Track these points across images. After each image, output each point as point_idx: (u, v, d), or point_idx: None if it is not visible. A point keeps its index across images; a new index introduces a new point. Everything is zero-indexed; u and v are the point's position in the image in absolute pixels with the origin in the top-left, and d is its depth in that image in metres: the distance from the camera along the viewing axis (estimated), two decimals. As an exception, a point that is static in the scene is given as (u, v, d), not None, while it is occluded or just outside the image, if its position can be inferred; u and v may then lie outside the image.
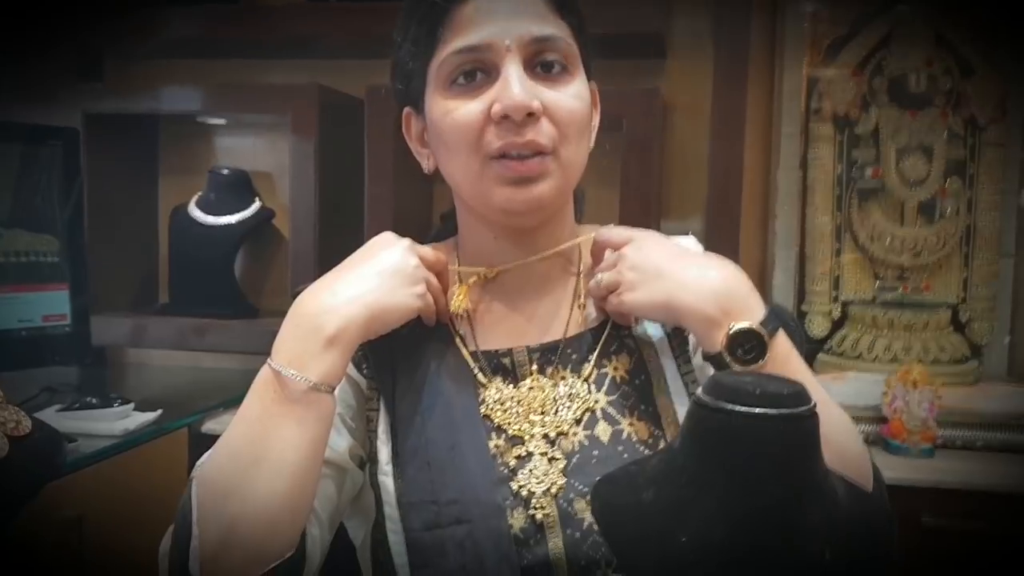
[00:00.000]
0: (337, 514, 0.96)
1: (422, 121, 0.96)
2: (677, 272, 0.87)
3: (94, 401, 1.65)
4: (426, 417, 0.92)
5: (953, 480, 1.65)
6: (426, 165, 0.99)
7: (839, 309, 1.93)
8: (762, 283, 1.96)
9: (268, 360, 0.83)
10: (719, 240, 1.88)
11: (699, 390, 0.67)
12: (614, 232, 0.95)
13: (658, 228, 1.99)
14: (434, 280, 0.93)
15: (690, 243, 1.06)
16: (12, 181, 1.70)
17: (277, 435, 0.80)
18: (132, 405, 1.67)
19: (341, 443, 0.94)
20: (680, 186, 2.04)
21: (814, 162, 1.91)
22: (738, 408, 0.61)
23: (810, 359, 1.93)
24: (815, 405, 0.66)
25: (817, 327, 1.93)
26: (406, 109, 0.99)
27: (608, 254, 0.95)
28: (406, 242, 0.93)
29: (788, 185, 1.92)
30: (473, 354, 0.97)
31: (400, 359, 0.96)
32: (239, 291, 2.12)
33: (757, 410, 0.61)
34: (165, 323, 2.07)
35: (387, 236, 0.94)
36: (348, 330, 0.83)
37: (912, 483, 1.67)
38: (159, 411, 1.70)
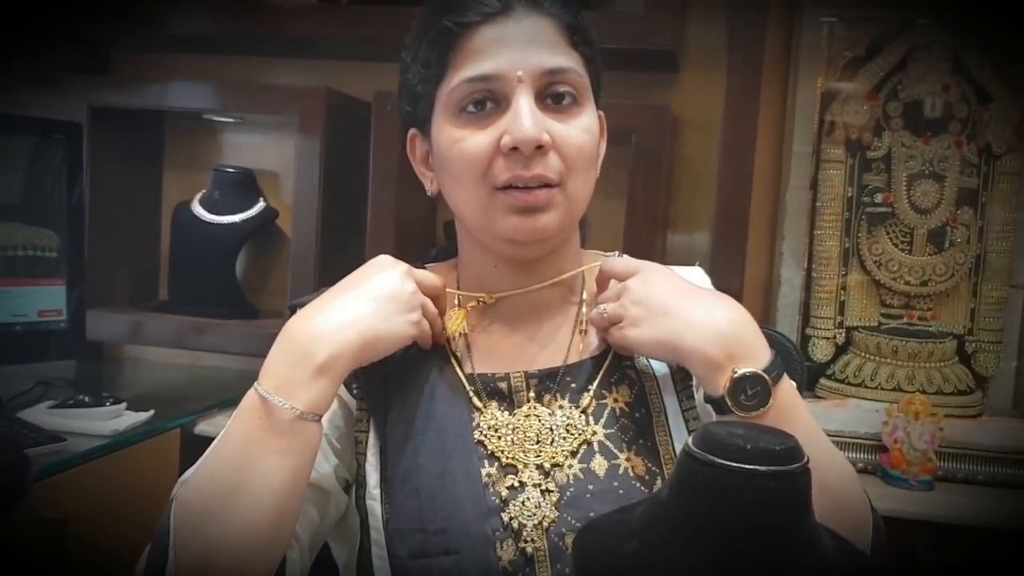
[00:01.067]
0: (319, 537, 0.94)
1: (427, 144, 0.95)
2: (682, 311, 0.85)
3: (86, 399, 1.63)
4: (418, 441, 0.90)
5: (952, 514, 1.63)
6: (429, 188, 0.98)
7: (843, 334, 1.90)
8: (767, 303, 1.94)
9: (255, 384, 0.81)
10: (725, 257, 1.86)
11: (689, 440, 0.65)
12: (619, 263, 0.94)
13: (664, 243, 1.97)
14: (431, 306, 0.92)
15: (696, 275, 1.04)
16: (13, 174, 1.69)
17: (260, 462, 0.78)
18: (124, 405, 1.66)
19: (326, 466, 0.92)
20: (689, 201, 2.02)
21: (824, 184, 1.88)
22: (728, 463, 0.60)
23: (812, 384, 1.91)
24: (807, 461, 0.64)
25: (820, 351, 1.91)
26: (412, 130, 0.97)
27: (612, 284, 0.93)
28: (403, 267, 0.91)
29: (797, 205, 1.89)
30: (469, 377, 0.95)
31: (393, 380, 0.94)
32: (240, 291, 2.10)
33: (747, 466, 0.60)
34: (163, 320, 2.06)
35: (384, 259, 0.92)
36: (339, 358, 0.82)
37: (910, 516, 1.64)
38: (151, 411, 1.69)
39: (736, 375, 0.81)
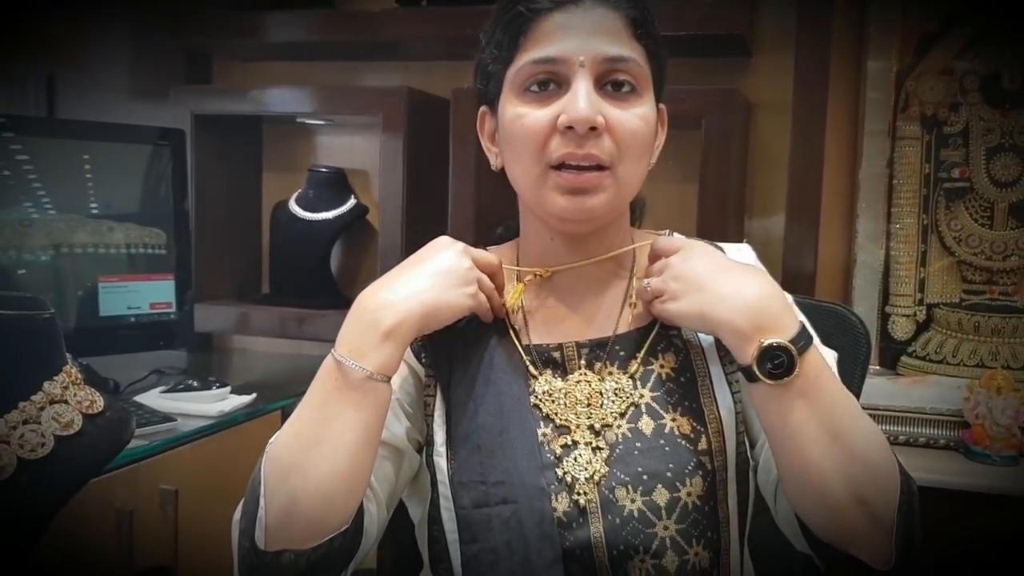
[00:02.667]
0: (395, 493, 1.03)
1: (495, 121, 1.02)
2: (715, 285, 0.91)
3: (194, 384, 1.77)
4: (478, 404, 0.98)
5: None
6: (494, 162, 1.05)
7: (924, 312, 1.89)
8: (846, 283, 1.95)
9: (332, 350, 0.90)
10: (798, 238, 1.88)
11: None
12: (666, 241, 1.00)
13: (740, 227, 2.00)
14: (487, 280, 0.99)
15: (744, 253, 1.09)
16: (126, 179, 1.84)
17: (337, 419, 0.87)
18: (229, 388, 1.79)
19: (399, 427, 1.00)
20: (764, 184, 2.04)
21: (900, 161, 1.88)
22: None
23: (893, 362, 1.91)
24: None
25: (901, 329, 1.91)
26: (482, 107, 1.05)
27: (659, 261, 0.99)
28: (460, 245, 0.99)
29: (872, 184, 1.90)
30: (526, 347, 1.02)
31: (457, 350, 1.02)
32: (334, 283, 2.23)
33: None
34: (266, 312, 2.19)
35: (444, 239, 1.00)
36: (403, 325, 0.90)
37: (993, 491, 1.64)
38: (254, 395, 1.82)
39: (763, 345, 0.86)
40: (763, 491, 1.02)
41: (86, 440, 0.76)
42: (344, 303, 2.20)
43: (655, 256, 1.01)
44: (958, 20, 1.84)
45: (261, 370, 2.23)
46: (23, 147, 1.71)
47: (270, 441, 0.93)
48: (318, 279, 2.19)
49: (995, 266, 1.84)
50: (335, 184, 2.20)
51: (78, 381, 0.80)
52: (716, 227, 1.82)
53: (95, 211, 1.81)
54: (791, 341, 0.86)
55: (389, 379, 0.90)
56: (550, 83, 0.94)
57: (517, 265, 1.08)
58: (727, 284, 0.91)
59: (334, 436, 0.86)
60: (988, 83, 1.83)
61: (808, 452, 0.86)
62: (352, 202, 2.20)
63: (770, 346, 0.86)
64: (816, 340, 1.04)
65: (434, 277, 0.94)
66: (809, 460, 0.86)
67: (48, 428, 0.73)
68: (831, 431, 0.85)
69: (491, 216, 1.99)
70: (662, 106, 1.02)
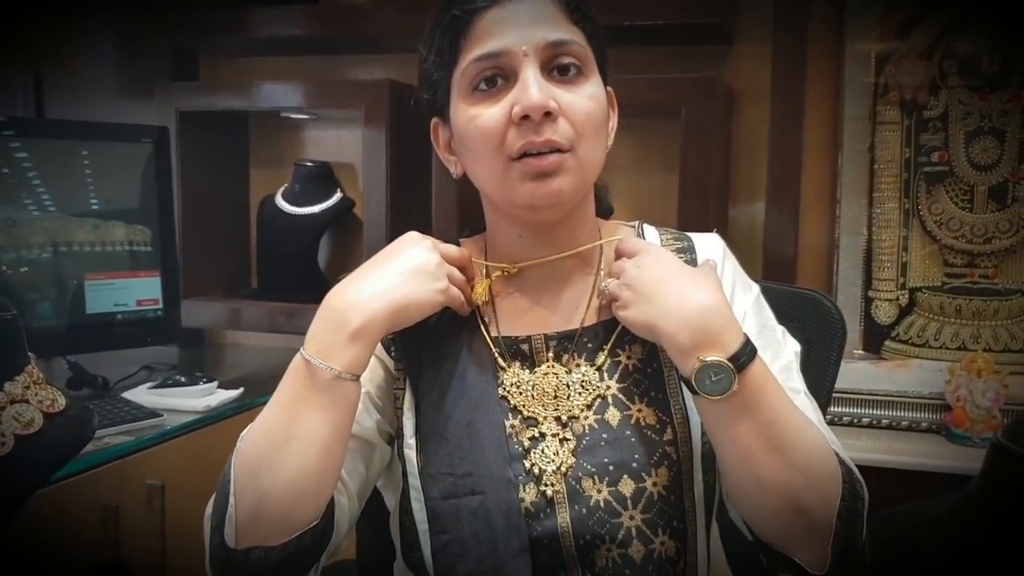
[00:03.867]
0: (366, 485, 1.04)
1: (448, 130, 1.02)
2: (662, 297, 0.92)
3: (182, 380, 1.79)
4: (446, 396, 0.99)
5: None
6: (454, 171, 1.05)
7: (906, 296, 1.90)
8: (829, 269, 1.95)
9: (300, 349, 0.91)
10: (779, 225, 1.88)
11: (999, 433, 0.65)
12: (627, 244, 1.00)
13: (724, 215, 2.01)
14: (457, 274, 0.99)
15: (712, 242, 1.09)
16: (109, 176, 1.86)
17: (305, 417, 0.88)
18: (216, 383, 1.81)
19: (369, 420, 1.01)
20: (747, 172, 2.04)
21: (881, 146, 1.88)
22: None
23: (876, 346, 1.92)
24: None
25: (884, 314, 1.92)
26: (434, 119, 1.05)
27: (618, 263, 1.00)
28: (429, 241, 0.99)
29: (853, 169, 1.90)
30: (494, 339, 1.03)
31: (425, 343, 1.03)
32: (322, 277, 2.24)
33: None
34: (255, 307, 2.21)
35: (412, 235, 1.00)
36: (371, 324, 0.90)
37: (973, 473, 1.64)
38: (241, 389, 1.83)
39: (702, 362, 0.87)
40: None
41: (47, 438, 0.78)
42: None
43: (619, 254, 1.01)
44: (937, 4, 1.85)
45: (251, 364, 2.24)
46: (2, 148, 1.73)
47: (240, 437, 0.94)
48: (306, 273, 2.20)
49: (976, 249, 1.85)
50: (321, 178, 2.22)
51: (39, 381, 0.81)
52: (697, 215, 1.83)
53: (80, 210, 1.82)
54: (731, 358, 0.87)
55: (358, 378, 0.91)
56: (497, 78, 0.94)
57: (485, 259, 1.09)
58: (673, 296, 0.91)
59: (303, 435, 0.87)
60: (967, 67, 1.83)
61: (749, 463, 0.87)
62: (338, 196, 2.22)
63: (709, 363, 0.87)
64: (779, 333, 1.05)
65: (403, 275, 0.94)
66: (750, 470, 0.87)
67: (8, 427, 0.74)
68: (771, 442, 0.86)
69: (475, 206, 1.99)
70: (610, 89, 1.02)
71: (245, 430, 0.94)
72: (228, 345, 2.46)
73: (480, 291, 1.04)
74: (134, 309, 1.87)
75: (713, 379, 0.86)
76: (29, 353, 0.82)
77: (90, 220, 1.83)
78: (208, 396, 1.77)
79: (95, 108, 2.40)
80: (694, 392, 0.89)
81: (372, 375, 1.02)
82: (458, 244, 1.09)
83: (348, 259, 2.33)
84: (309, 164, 2.23)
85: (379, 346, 1.02)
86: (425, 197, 1.98)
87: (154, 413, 1.66)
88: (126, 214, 1.87)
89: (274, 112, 2.25)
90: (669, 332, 0.89)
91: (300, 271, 2.20)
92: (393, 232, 2.02)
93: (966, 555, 0.56)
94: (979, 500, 0.56)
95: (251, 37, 2.20)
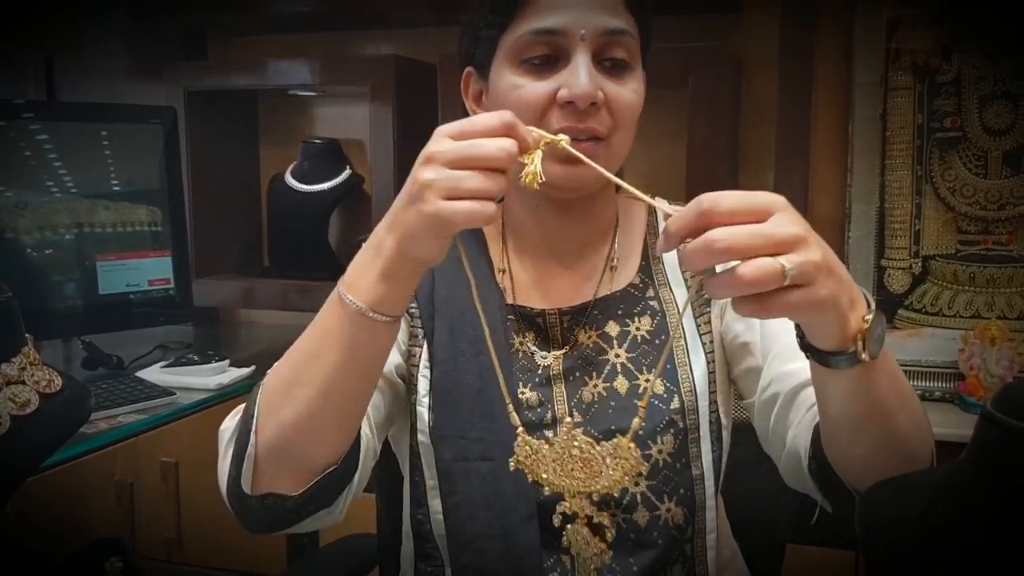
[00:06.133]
0: (385, 423, 1.03)
1: (482, 84, 1.01)
2: (837, 266, 0.70)
3: (195, 358, 1.81)
4: (460, 361, 0.99)
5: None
6: None
7: (919, 264, 1.88)
8: (840, 238, 1.93)
9: (338, 283, 0.83)
10: (788, 193, 1.85)
11: (988, 403, 0.57)
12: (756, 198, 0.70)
13: (733, 184, 1.99)
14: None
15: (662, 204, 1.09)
16: (118, 159, 1.87)
17: (328, 355, 0.81)
18: (227, 362, 1.83)
19: (392, 359, 1.00)
20: (757, 140, 2.03)
21: (893, 113, 1.86)
22: None
23: (889, 315, 1.90)
24: None
25: (897, 282, 1.90)
26: (468, 68, 1.03)
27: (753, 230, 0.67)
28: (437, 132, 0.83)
29: (865, 136, 1.88)
30: (510, 307, 1.03)
31: (443, 305, 1.02)
32: (332, 253, 2.25)
33: None
34: (268, 285, 2.23)
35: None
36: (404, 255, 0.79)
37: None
38: (253, 367, 1.85)
39: (867, 322, 0.71)
40: (767, 441, 1.00)
41: (43, 419, 0.79)
42: (342, 273, 2.23)
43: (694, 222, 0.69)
44: (949, -34, 1.81)
45: (265, 342, 2.26)
46: (16, 131, 1.74)
47: (269, 372, 0.89)
48: (316, 250, 2.21)
49: (990, 216, 1.82)
50: (329, 155, 2.22)
51: (36, 362, 0.82)
52: (706, 184, 1.79)
53: (92, 191, 1.84)
54: (875, 308, 0.73)
55: (392, 319, 0.81)
56: (548, 55, 0.93)
57: (502, 227, 1.07)
58: (837, 261, 0.72)
59: (324, 372, 0.81)
60: (979, 31, 1.80)
61: (887, 419, 0.78)
62: (347, 172, 2.22)
63: (871, 322, 0.72)
64: None
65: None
66: (887, 426, 0.78)
67: (4, 409, 0.75)
68: (902, 395, 0.79)
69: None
70: (643, 73, 1.01)
71: (274, 365, 0.89)
72: (242, 323, 2.48)
73: (532, 171, 0.79)
74: (146, 289, 1.89)
75: (875, 337, 0.72)
76: (27, 335, 0.83)
77: (101, 201, 1.84)
78: (220, 374, 1.79)
79: (106, 89, 2.40)
80: (835, 364, 0.74)
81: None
82: None
83: (358, 235, 2.34)
84: (318, 141, 2.23)
85: None
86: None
87: (167, 392, 1.68)
88: (137, 195, 1.89)
89: (282, 90, 2.25)
90: (847, 303, 0.71)
91: (311, 248, 2.21)
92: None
93: (952, 525, 0.55)
94: (967, 471, 0.56)
95: (259, 15, 2.20)
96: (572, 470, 0.85)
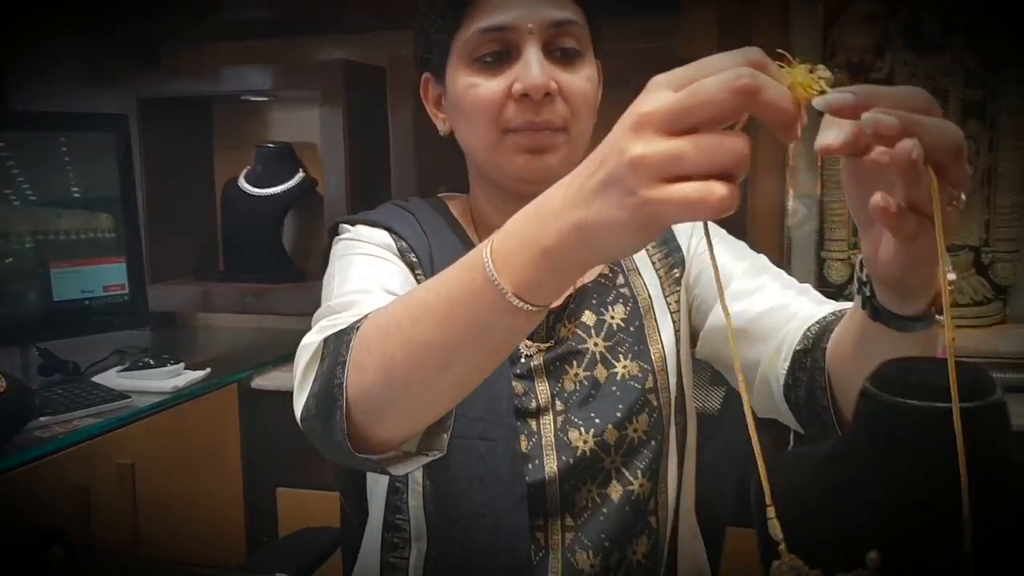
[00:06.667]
0: None
1: (440, 87, 1.03)
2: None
3: (150, 362, 1.83)
4: None
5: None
6: (441, 128, 1.06)
7: (857, 255, 1.94)
8: (780, 230, 1.99)
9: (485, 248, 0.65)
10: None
11: (867, 381, 0.58)
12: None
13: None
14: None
15: None
16: (70, 166, 1.88)
17: (459, 327, 0.67)
18: (183, 365, 1.85)
19: None
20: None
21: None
22: (911, 402, 0.54)
23: (830, 305, 1.96)
24: (1001, 395, 0.54)
25: (836, 273, 1.96)
26: (425, 74, 1.06)
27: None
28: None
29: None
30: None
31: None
32: (286, 257, 2.27)
33: (936, 404, 0.52)
34: (223, 289, 2.24)
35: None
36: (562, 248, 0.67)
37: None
38: (208, 370, 1.87)
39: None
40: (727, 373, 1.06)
41: (-12, 416, 0.81)
42: (298, 276, 2.26)
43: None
44: (880, -34, 1.88)
45: (222, 345, 2.28)
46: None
47: (373, 321, 0.74)
48: (271, 254, 2.24)
49: (923, 207, 1.88)
50: (283, 159, 2.24)
51: (-20, 364, 0.84)
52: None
53: (46, 199, 1.85)
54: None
55: (539, 308, 0.64)
56: (499, 52, 0.95)
57: (472, 221, 1.09)
58: None
59: (449, 344, 0.68)
60: (910, 28, 1.86)
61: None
62: (300, 176, 2.24)
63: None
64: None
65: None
66: None
67: (-51, 408, 0.77)
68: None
69: (433, 178, 2.03)
70: (598, 62, 1.04)
71: (376, 316, 0.75)
72: (200, 327, 2.49)
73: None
74: (101, 295, 1.90)
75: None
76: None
77: (55, 209, 1.85)
78: (175, 377, 1.81)
79: (59, 98, 2.40)
80: (910, 328, 0.71)
81: (409, 282, 1.00)
82: (442, 202, 1.10)
83: (313, 238, 2.36)
84: (271, 146, 2.25)
85: (406, 268, 1.00)
86: (385, 175, 2.01)
87: (122, 395, 1.70)
88: (91, 202, 1.90)
89: (234, 96, 2.27)
90: None
91: (266, 252, 2.23)
92: (353, 208, 2.05)
93: (835, 498, 0.59)
94: (849, 443, 0.60)
95: (210, 22, 2.21)
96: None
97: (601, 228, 0.55)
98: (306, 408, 0.77)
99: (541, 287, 0.61)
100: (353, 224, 1.05)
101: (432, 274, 0.95)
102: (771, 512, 0.56)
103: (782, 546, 0.55)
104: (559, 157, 0.96)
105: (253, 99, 2.32)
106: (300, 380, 0.80)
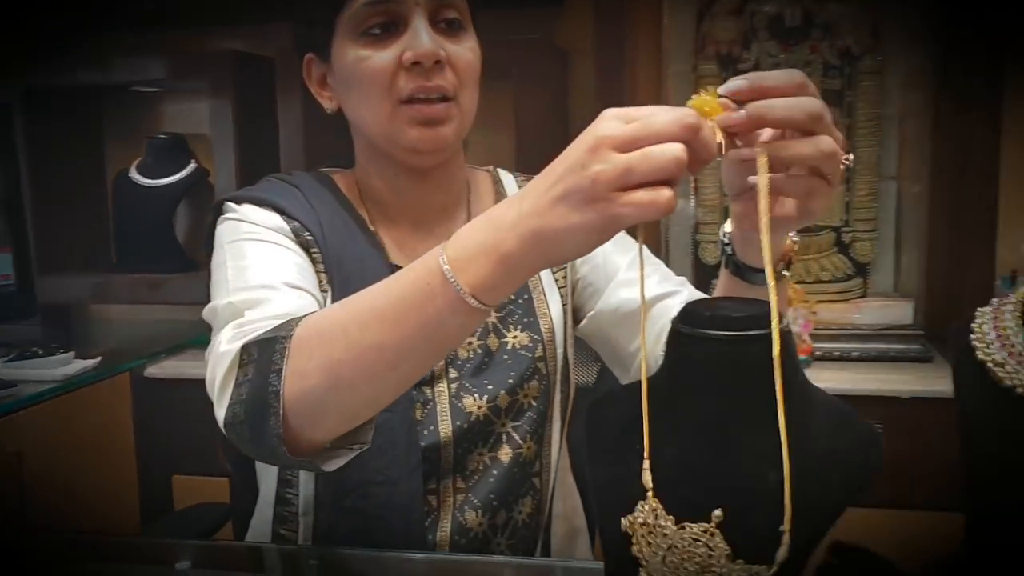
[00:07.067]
0: None
1: (325, 66, 1.04)
2: None
3: (39, 351, 1.83)
4: None
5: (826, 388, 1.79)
6: (328, 106, 1.06)
7: (720, 252, 2.05)
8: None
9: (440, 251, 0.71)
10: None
11: (675, 317, 0.65)
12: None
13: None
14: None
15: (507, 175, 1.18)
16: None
17: (410, 325, 0.72)
18: (72, 354, 1.86)
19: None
20: (584, 127, 2.15)
21: (701, 99, 2.01)
22: (705, 332, 0.61)
23: (706, 285, 2.06)
24: (786, 325, 0.61)
25: (709, 255, 2.07)
26: (308, 55, 1.06)
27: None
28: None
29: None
30: (393, 267, 1.04)
31: (336, 255, 1.02)
32: (179, 247, 2.29)
33: (726, 333, 0.59)
34: (116, 280, 2.24)
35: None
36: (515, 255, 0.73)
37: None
38: (98, 359, 1.88)
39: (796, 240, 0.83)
40: (613, 357, 1.10)
41: None
42: (191, 267, 2.27)
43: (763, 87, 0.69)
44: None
45: (115, 335, 2.28)
46: None
47: (327, 322, 0.78)
48: (164, 244, 2.25)
49: (788, 190, 2.00)
50: (174, 150, 2.26)
51: None
52: (535, 171, 1.93)
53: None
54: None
55: (490, 307, 0.71)
56: (387, 24, 0.97)
57: (359, 195, 1.09)
58: None
59: (397, 342, 0.73)
60: (773, 21, 1.98)
61: None
62: (192, 166, 2.26)
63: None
64: None
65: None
66: None
67: None
68: None
69: (322, 167, 2.07)
70: (479, 42, 1.05)
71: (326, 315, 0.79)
72: (93, 320, 2.48)
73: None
74: (-14, 287, 1.90)
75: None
76: None
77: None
78: (65, 366, 1.82)
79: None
80: (759, 280, 0.81)
81: (308, 271, 1.00)
82: (327, 176, 1.10)
83: (205, 228, 2.37)
84: (162, 136, 2.27)
85: (301, 250, 1.00)
86: (275, 164, 2.05)
87: (8, 384, 1.70)
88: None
89: (125, 87, 2.27)
90: None
91: (158, 243, 2.24)
92: (245, 199, 2.08)
93: (671, 433, 0.66)
94: (661, 376, 0.67)
95: (100, 12, 2.21)
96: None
97: (561, 232, 0.64)
98: (232, 415, 0.79)
99: (496, 288, 0.69)
100: (239, 202, 1.03)
101: (326, 248, 0.99)
102: (647, 464, 0.62)
103: (650, 492, 0.60)
104: (451, 128, 0.98)
105: (144, 90, 2.33)
106: (220, 387, 0.82)
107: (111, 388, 1.92)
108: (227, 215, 1.02)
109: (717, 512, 0.57)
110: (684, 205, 2.10)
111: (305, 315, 0.79)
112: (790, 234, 0.81)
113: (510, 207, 0.68)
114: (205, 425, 0.92)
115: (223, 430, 0.81)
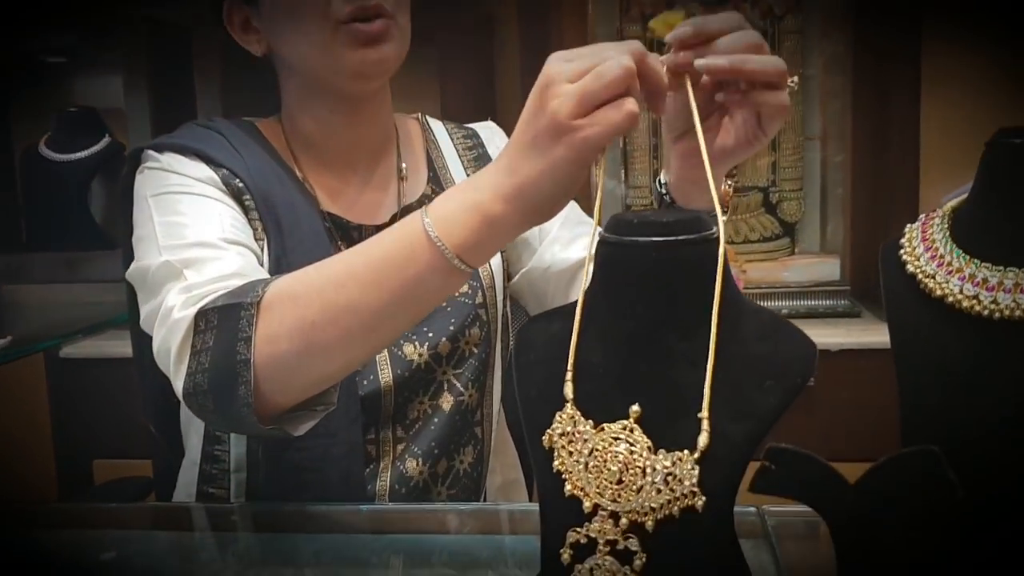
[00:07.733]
0: None
1: (247, 8, 0.99)
2: None
3: (-56, 333, 1.75)
4: (293, 260, 0.94)
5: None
6: (256, 50, 1.02)
7: (657, 201, 2.05)
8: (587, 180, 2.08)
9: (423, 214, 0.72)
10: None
11: (600, 228, 0.64)
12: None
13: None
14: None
15: (492, 128, 1.16)
16: None
17: (393, 286, 0.73)
18: (-19, 333, 1.78)
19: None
20: (511, 93, 2.12)
21: (627, 61, 2.01)
22: (631, 239, 0.59)
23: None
24: (712, 232, 0.61)
25: (639, 215, 2.07)
26: (226, 4, 1.01)
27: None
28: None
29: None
30: (326, 215, 1.01)
31: (271, 207, 0.98)
32: (94, 224, 2.20)
33: (652, 239, 0.58)
34: (28, 259, 2.16)
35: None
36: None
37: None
38: (8, 339, 1.80)
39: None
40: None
41: None
42: (107, 244, 2.19)
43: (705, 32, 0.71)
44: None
45: (28, 316, 2.18)
46: None
47: (296, 286, 0.77)
48: (78, 220, 2.16)
49: (716, 151, 2.01)
50: (86, 123, 2.18)
51: None
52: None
53: None
54: None
55: (472, 268, 0.74)
56: None
57: (286, 141, 1.04)
58: None
59: (380, 305, 0.74)
60: (697, -19, 1.98)
61: None
62: (106, 140, 2.18)
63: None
64: None
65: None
66: None
67: None
68: None
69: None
70: None
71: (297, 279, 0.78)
72: (8, 303, 2.38)
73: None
74: None
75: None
76: None
77: None
78: (-27, 345, 1.74)
79: None
80: None
81: (241, 222, 0.96)
82: (250, 123, 1.05)
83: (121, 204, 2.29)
84: (73, 110, 2.18)
85: (232, 200, 0.96)
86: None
87: (-88, 366, 1.62)
88: None
89: (31, 57, 2.18)
90: None
91: (72, 218, 2.16)
92: (162, 171, 2.01)
93: (585, 331, 0.63)
94: (588, 292, 0.64)
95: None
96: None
97: (538, 179, 0.66)
98: (193, 384, 0.77)
99: (481, 248, 0.71)
100: (160, 151, 0.96)
101: (257, 195, 0.95)
102: (569, 375, 0.60)
103: (569, 402, 0.59)
104: (393, 47, 0.94)
105: (53, 61, 2.24)
106: (176, 357, 0.79)
107: (25, 369, 1.84)
108: (147, 164, 0.96)
109: (635, 407, 0.56)
110: (615, 186, 2.10)
111: (267, 278, 0.78)
112: (726, 180, 0.82)
113: (487, 171, 0.70)
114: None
115: (182, 400, 0.79)
